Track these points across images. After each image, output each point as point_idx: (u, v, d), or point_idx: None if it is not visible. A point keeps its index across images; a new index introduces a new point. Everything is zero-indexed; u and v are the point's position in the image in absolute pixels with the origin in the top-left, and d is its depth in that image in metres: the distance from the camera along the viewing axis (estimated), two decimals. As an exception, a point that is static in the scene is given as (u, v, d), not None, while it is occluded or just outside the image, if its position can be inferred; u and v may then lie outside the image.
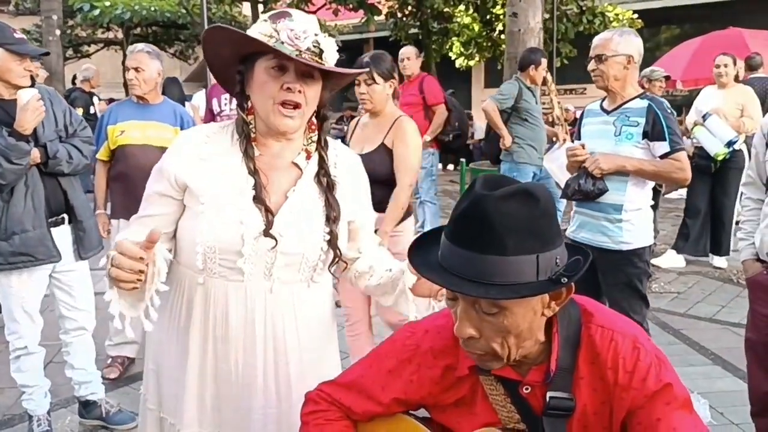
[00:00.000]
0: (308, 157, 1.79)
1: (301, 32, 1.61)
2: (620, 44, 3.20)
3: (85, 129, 3.30)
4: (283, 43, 1.60)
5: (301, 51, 1.61)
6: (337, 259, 1.81)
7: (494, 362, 1.37)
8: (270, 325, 1.76)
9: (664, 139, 3.13)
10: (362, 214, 1.89)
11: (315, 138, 1.80)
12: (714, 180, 6.30)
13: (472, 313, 1.32)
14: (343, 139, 14.73)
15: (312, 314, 1.84)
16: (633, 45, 3.22)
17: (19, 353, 3.20)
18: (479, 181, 1.31)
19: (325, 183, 1.77)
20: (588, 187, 3.22)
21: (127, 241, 1.54)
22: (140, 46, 3.99)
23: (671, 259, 6.49)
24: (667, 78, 6.95)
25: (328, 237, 1.76)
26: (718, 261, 6.38)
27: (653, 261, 6.45)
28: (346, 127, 18.20)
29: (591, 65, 3.27)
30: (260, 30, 1.64)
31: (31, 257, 3.07)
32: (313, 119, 1.78)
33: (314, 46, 1.63)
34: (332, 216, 1.76)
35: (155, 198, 1.75)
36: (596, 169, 3.19)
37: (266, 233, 1.68)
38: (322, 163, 1.79)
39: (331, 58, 1.67)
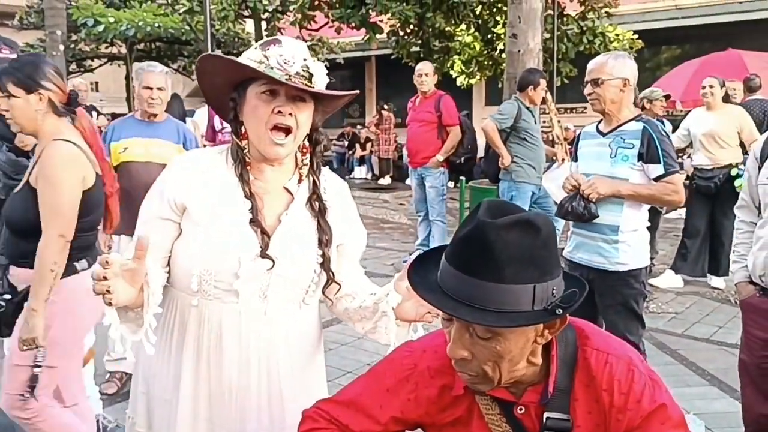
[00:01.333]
0: (300, 181, 1.82)
1: (290, 57, 1.66)
2: (615, 68, 3.25)
3: None
4: (272, 68, 1.65)
5: (290, 75, 1.65)
6: (330, 282, 1.84)
7: (484, 384, 1.40)
8: (264, 347, 1.78)
9: (659, 162, 3.17)
10: (350, 237, 1.92)
11: (307, 161, 1.83)
12: (714, 201, 6.32)
13: (466, 336, 1.34)
14: (343, 156, 14.68)
15: (303, 335, 1.86)
16: (628, 68, 3.27)
17: None
18: (483, 206, 1.34)
19: (317, 208, 1.81)
20: (579, 210, 3.27)
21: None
22: (156, 65, 4.04)
23: (669, 280, 6.50)
24: (667, 97, 7.00)
25: (320, 260, 1.79)
26: (716, 281, 6.39)
27: (651, 281, 6.46)
28: (347, 143, 18.01)
29: (587, 89, 3.32)
30: (250, 56, 1.69)
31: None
32: (305, 142, 1.81)
33: (303, 71, 1.67)
34: (324, 239, 1.79)
35: (156, 223, 1.76)
36: (594, 193, 3.24)
37: (263, 254, 1.71)
38: (315, 188, 1.82)
39: (320, 82, 1.71)
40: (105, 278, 1.47)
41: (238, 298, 1.73)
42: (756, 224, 2.76)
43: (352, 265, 1.95)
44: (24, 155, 2.98)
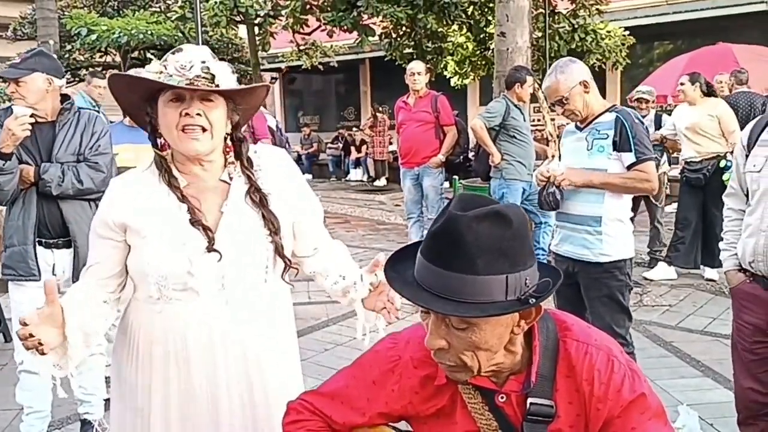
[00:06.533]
0: (231, 178, 1.87)
1: (187, 62, 1.72)
2: (568, 80, 3.28)
3: (97, 156, 3.31)
4: (171, 75, 1.71)
5: (190, 79, 1.71)
6: (287, 268, 1.89)
7: (463, 374, 1.42)
8: (229, 336, 1.82)
9: (630, 150, 3.20)
10: (305, 209, 1.96)
11: (232, 159, 1.88)
12: (705, 193, 6.35)
13: (442, 327, 1.36)
14: (340, 158, 14.69)
15: (269, 318, 1.90)
16: (576, 72, 3.30)
17: (20, 368, 3.26)
18: (455, 200, 1.37)
19: (258, 199, 1.85)
20: (548, 199, 3.33)
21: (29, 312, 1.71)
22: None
23: (663, 272, 6.52)
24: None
25: (272, 246, 1.84)
26: (710, 273, 6.40)
27: (645, 274, 6.50)
28: (341, 146, 17.95)
29: (558, 110, 3.38)
30: (150, 68, 1.75)
31: (14, 271, 3.18)
32: (228, 142, 1.86)
33: (204, 72, 1.73)
34: (272, 229, 1.84)
35: (98, 242, 1.85)
36: (566, 182, 3.28)
37: (210, 249, 1.77)
38: (250, 181, 1.87)
39: (224, 81, 1.76)
40: (30, 335, 1.62)
41: (198, 295, 1.79)
42: (744, 212, 2.77)
43: (316, 237, 2.00)
44: (5, 158, 3.02)
